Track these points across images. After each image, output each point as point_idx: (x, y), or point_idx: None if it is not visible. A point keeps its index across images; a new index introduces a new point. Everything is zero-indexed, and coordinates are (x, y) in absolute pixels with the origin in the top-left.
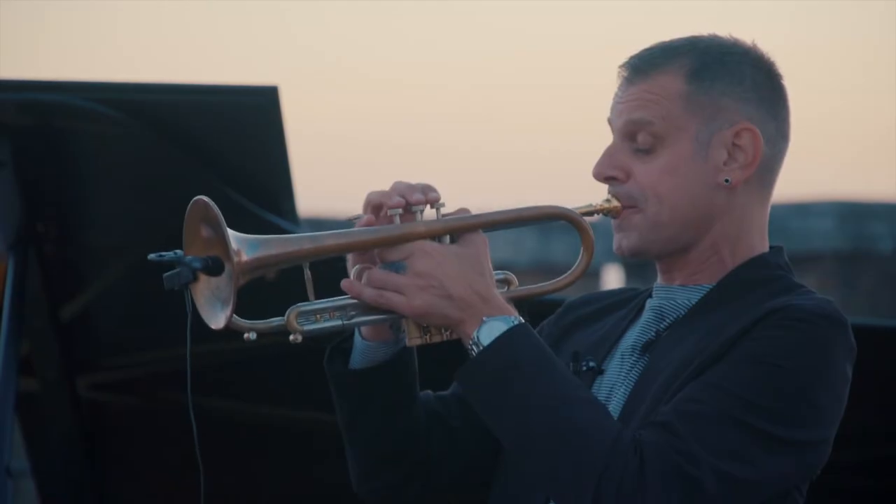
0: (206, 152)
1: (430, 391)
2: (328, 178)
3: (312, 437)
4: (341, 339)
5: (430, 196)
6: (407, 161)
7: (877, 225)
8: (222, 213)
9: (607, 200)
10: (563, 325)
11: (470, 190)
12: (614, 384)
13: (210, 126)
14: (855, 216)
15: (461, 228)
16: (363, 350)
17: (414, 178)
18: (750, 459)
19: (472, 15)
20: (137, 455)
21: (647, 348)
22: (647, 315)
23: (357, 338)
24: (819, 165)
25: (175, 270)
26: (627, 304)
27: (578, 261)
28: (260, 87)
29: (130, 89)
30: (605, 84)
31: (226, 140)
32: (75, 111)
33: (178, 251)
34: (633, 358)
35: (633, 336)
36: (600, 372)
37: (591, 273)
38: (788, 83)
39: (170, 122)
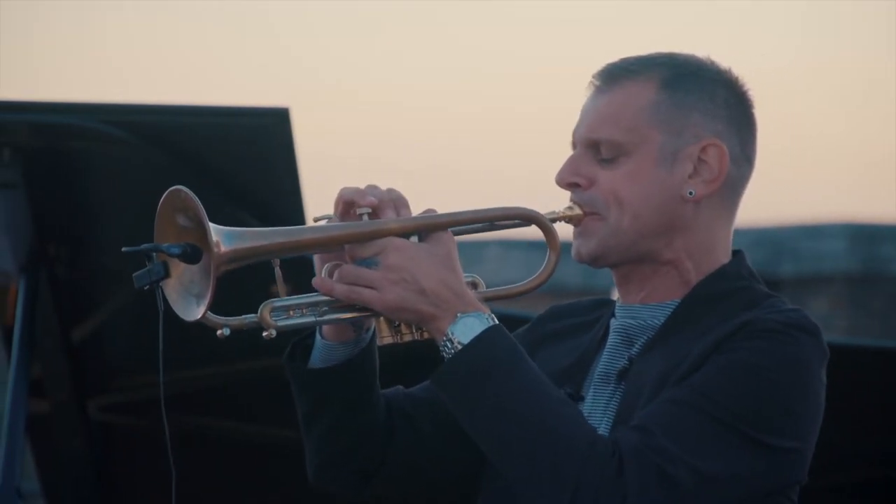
0: (218, 174)
1: (401, 387)
2: None
3: None
4: (303, 337)
5: (400, 213)
6: (418, 183)
7: (888, 247)
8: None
9: (569, 208)
10: (533, 339)
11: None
12: (592, 412)
13: (221, 147)
14: (866, 238)
15: (432, 227)
16: (323, 350)
17: (424, 201)
18: (723, 457)
19: (478, 35)
20: (147, 477)
21: (622, 376)
22: (613, 338)
23: (318, 337)
24: (830, 187)
25: (145, 269)
26: (596, 324)
27: (546, 262)
28: (271, 108)
29: (141, 111)
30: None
31: (237, 161)
32: (86, 133)
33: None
34: (611, 387)
35: (604, 362)
36: (580, 398)
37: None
38: (800, 104)
39: (181, 144)
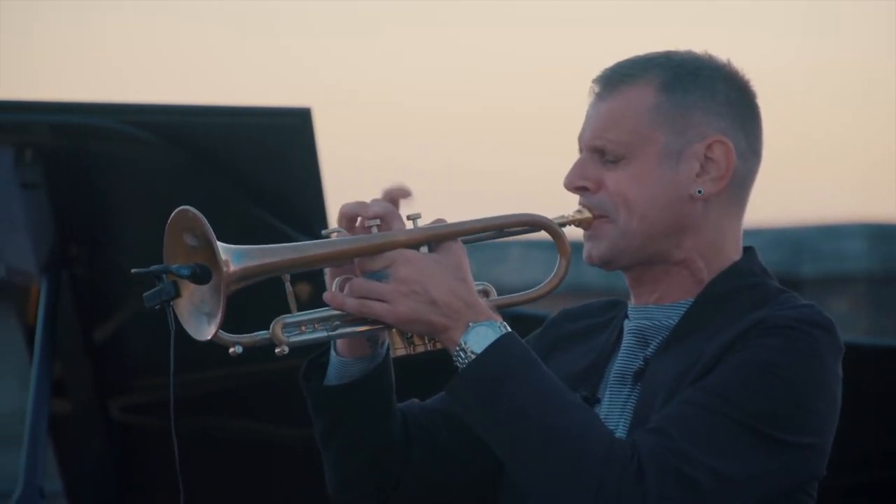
0: (239, 174)
1: (416, 399)
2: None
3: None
4: (318, 354)
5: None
6: (440, 183)
7: None
8: (257, 234)
9: (579, 211)
10: (546, 343)
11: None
12: (609, 414)
13: (243, 148)
14: (887, 238)
15: (441, 237)
16: (338, 366)
17: (442, 201)
18: (741, 457)
19: (494, 36)
20: (168, 477)
21: (638, 377)
22: (627, 339)
23: (332, 354)
24: (850, 187)
25: (155, 288)
26: (608, 325)
27: (556, 268)
28: (293, 108)
29: (162, 111)
30: None
31: (259, 162)
32: (108, 133)
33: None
34: (627, 388)
35: (619, 363)
36: (597, 401)
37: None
38: (820, 104)
39: (202, 144)
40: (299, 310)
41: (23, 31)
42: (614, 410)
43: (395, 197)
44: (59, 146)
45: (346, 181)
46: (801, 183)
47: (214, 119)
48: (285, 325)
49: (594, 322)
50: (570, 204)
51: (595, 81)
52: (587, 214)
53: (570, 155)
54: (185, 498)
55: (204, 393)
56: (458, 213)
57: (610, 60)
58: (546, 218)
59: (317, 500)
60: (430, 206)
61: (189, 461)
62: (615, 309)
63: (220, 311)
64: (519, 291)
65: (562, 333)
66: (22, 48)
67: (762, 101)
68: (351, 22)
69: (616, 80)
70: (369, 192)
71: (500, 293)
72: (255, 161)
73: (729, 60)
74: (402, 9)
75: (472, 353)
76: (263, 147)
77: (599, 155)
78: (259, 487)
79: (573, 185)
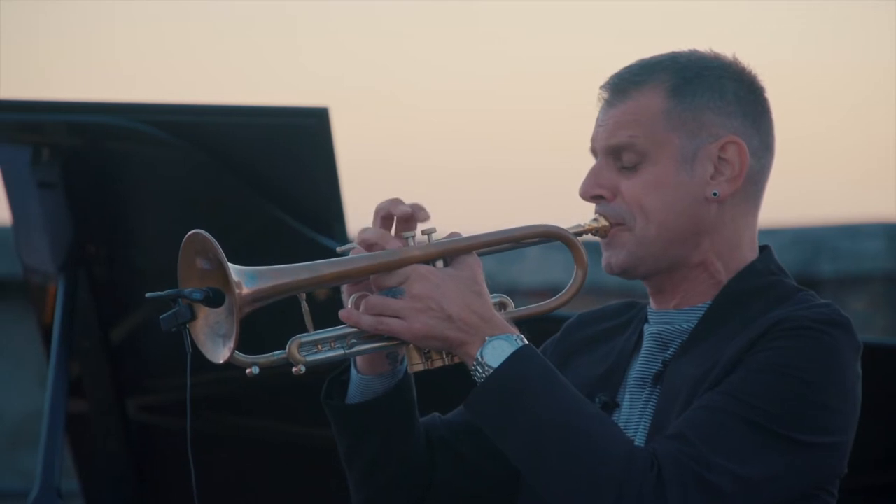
0: (257, 174)
1: (437, 414)
2: (379, 200)
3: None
4: (338, 372)
5: (419, 215)
6: (457, 185)
7: None
8: (274, 234)
9: (595, 220)
10: (563, 349)
11: (521, 215)
12: (630, 418)
13: (260, 147)
14: None
15: (455, 251)
16: (359, 384)
17: (466, 202)
18: (761, 460)
19: (526, 35)
20: (185, 476)
21: (657, 380)
22: (647, 343)
23: (353, 371)
24: (869, 187)
25: (171, 311)
26: (626, 328)
27: (573, 279)
28: (310, 108)
29: (180, 111)
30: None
31: (276, 161)
32: (125, 133)
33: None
34: (646, 391)
35: (639, 367)
36: (616, 405)
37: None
38: (838, 105)
39: (220, 144)
40: (317, 308)
41: (37, 30)
42: (634, 414)
43: (415, 216)
44: (76, 145)
45: (363, 181)
46: (819, 183)
47: (231, 118)
48: (301, 344)
49: (611, 325)
50: (587, 207)
51: (603, 88)
52: (604, 223)
53: (590, 157)
54: (201, 498)
55: (221, 392)
56: (477, 214)
57: (627, 60)
58: (562, 228)
59: (334, 501)
60: (448, 208)
61: (207, 461)
62: (632, 310)
63: (235, 333)
64: (537, 291)
65: (580, 338)
66: (37, 48)
67: (780, 99)
68: (369, 22)
69: (624, 85)
70: (386, 192)
71: (518, 293)
72: (272, 160)
73: (735, 56)
74: (420, 9)
75: (489, 367)
76: (281, 147)
77: (614, 159)
78: (275, 487)
79: (589, 193)
